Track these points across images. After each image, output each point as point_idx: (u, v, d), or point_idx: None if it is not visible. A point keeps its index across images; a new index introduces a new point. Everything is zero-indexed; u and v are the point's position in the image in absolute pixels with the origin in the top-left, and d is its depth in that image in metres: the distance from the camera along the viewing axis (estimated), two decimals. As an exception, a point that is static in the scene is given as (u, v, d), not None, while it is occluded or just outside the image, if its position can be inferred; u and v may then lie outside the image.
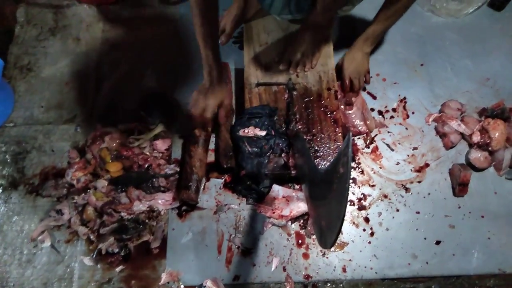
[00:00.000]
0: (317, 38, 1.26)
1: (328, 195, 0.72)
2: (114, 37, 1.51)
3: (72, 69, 1.45)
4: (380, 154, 1.27)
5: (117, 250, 1.17)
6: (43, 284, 1.15)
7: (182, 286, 1.13)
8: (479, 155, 1.21)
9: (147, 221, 1.20)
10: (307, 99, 1.25)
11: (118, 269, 1.15)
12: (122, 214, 1.19)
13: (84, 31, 1.52)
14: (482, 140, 1.21)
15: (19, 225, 1.22)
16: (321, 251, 1.15)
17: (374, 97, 1.35)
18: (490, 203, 1.19)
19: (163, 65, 1.44)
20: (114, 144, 1.26)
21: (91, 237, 1.18)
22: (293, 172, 1.15)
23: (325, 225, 0.73)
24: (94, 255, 1.17)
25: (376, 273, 1.12)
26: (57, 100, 1.40)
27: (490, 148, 1.20)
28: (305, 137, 1.18)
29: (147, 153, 1.27)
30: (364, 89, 1.36)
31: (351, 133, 0.68)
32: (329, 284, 1.13)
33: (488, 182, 1.22)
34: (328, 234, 0.68)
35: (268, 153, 1.15)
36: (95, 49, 1.48)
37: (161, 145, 1.28)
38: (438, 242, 1.15)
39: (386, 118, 1.32)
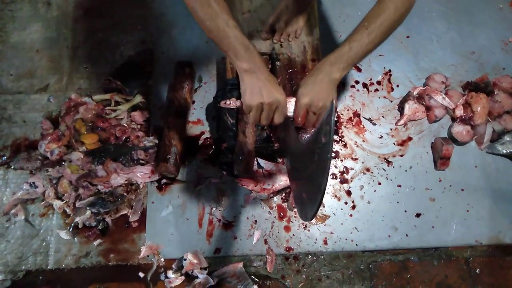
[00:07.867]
0: (301, 6, 1.21)
1: (309, 166, 0.70)
2: (88, 1, 1.41)
3: (44, 35, 1.37)
4: (363, 127, 1.25)
5: (95, 223, 1.14)
6: (18, 258, 1.12)
7: (162, 259, 1.12)
8: (462, 129, 1.21)
9: (125, 194, 1.17)
10: (291, 70, 1.21)
11: (96, 242, 1.13)
12: (99, 187, 1.15)
13: (55, -7, 1.43)
14: (465, 114, 1.21)
15: (-10, 198, 1.17)
16: (302, 224, 1.14)
17: (359, 70, 1.32)
18: (470, 176, 1.20)
19: (140, 32, 1.37)
20: (90, 115, 1.20)
21: (67, 210, 1.15)
22: (275, 145, 1.13)
23: (306, 197, 0.72)
24: (71, 229, 1.14)
25: (356, 245, 1.13)
26: (28, 68, 1.33)
27: (472, 122, 1.20)
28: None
29: (125, 125, 1.22)
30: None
31: (334, 102, 0.65)
32: (310, 256, 1.13)
33: (469, 156, 1.22)
34: (309, 206, 0.67)
35: (250, 126, 1.12)
36: (68, 14, 1.39)
37: (139, 116, 1.23)
38: (418, 215, 1.16)
39: (371, 91, 1.30)
